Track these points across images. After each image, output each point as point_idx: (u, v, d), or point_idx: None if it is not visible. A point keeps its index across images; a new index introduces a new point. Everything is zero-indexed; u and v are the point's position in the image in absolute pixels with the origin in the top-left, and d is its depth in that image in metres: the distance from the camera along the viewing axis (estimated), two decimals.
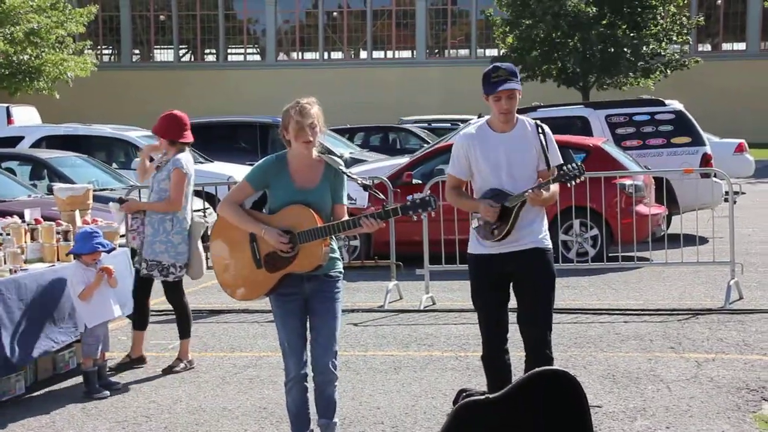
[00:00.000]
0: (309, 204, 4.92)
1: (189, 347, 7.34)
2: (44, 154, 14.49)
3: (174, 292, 7.27)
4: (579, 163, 5.17)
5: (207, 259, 7.42)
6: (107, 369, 6.90)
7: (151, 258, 7.06)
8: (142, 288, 7.27)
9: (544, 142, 5.23)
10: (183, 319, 7.30)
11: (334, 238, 5.03)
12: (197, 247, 7.20)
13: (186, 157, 7.13)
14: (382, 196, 5.29)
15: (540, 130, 5.26)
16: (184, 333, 7.30)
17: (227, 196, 5.07)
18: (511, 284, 5.31)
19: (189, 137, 7.15)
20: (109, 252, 6.86)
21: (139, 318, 7.37)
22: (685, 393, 6.21)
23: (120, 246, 7.62)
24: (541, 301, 5.23)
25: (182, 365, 7.20)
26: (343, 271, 5.15)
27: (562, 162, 5.32)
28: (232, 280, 5.13)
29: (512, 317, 5.33)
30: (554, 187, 5.19)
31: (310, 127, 4.89)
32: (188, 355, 7.30)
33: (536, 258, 5.23)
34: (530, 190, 5.10)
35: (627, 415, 5.80)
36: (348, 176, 5.07)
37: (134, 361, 7.36)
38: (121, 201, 7.38)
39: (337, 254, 5.10)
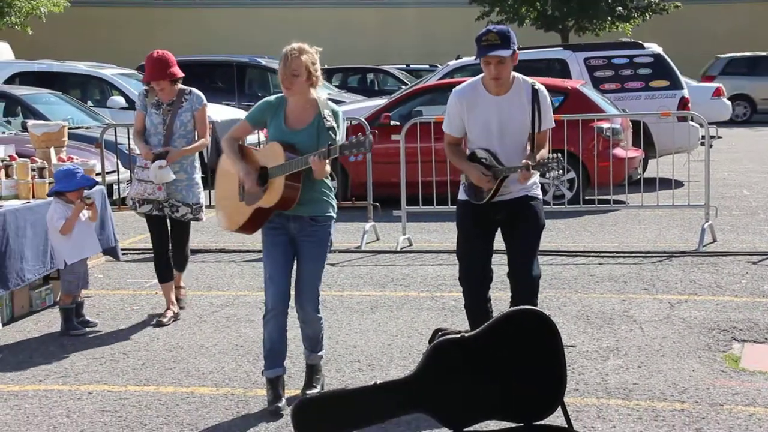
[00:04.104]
0: (292, 144, 5.00)
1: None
2: (18, 90, 14.33)
3: (188, 234, 7.05)
4: (559, 156, 5.02)
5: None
6: (83, 307, 6.90)
7: (195, 201, 6.83)
8: (166, 235, 6.94)
9: (538, 107, 5.11)
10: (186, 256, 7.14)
11: (329, 181, 5.15)
12: None
13: (199, 92, 6.90)
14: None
15: (535, 95, 5.11)
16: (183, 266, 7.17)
17: (229, 132, 5.26)
18: (499, 231, 5.27)
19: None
20: (91, 188, 6.85)
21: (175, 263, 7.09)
22: (658, 333, 6.30)
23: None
24: (528, 250, 5.20)
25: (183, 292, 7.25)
26: (332, 215, 5.19)
27: (554, 125, 5.25)
28: (222, 210, 5.38)
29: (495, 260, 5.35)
30: (544, 152, 5.15)
31: (293, 76, 4.97)
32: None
33: (525, 206, 5.19)
34: (520, 170, 4.99)
35: (600, 355, 5.89)
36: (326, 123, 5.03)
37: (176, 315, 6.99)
38: (160, 156, 6.63)
39: (328, 198, 5.16)
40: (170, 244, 6.99)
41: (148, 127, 6.77)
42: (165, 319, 6.81)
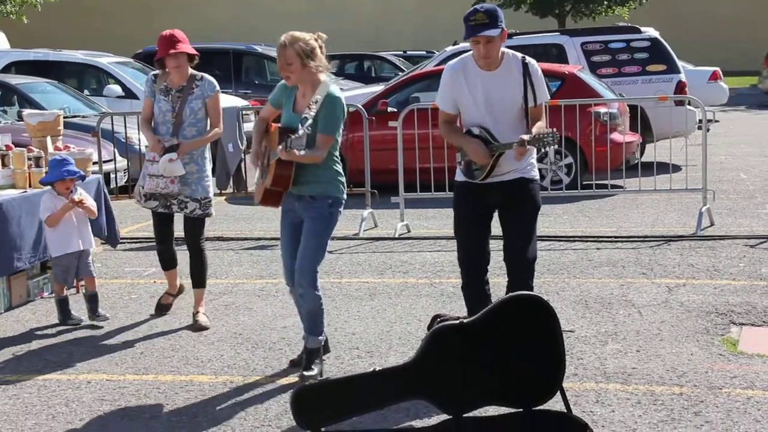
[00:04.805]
0: (295, 128, 5.16)
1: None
2: (14, 79, 14.29)
3: (203, 235, 6.60)
4: (554, 131, 5.02)
5: None
6: (97, 300, 6.64)
7: (204, 196, 6.37)
8: (170, 232, 6.61)
9: (530, 80, 5.08)
10: (204, 264, 6.62)
11: (337, 166, 5.35)
12: None
13: (212, 77, 6.44)
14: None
15: (526, 69, 5.10)
16: (203, 281, 6.63)
17: (260, 113, 5.63)
18: (497, 213, 5.27)
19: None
20: (82, 179, 6.75)
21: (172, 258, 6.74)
22: (656, 317, 6.30)
23: (93, 173, 7.52)
24: (524, 233, 5.19)
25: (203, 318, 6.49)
26: (335, 196, 5.34)
27: (548, 98, 5.24)
28: (257, 185, 5.59)
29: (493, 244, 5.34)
30: (540, 124, 5.13)
31: (286, 63, 5.21)
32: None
33: (521, 188, 5.17)
34: (515, 145, 4.97)
35: (598, 339, 5.89)
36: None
37: (177, 293, 6.87)
38: (173, 148, 6.20)
39: (333, 180, 5.33)
40: (185, 240, 6.56)
41: (156, 115, 6.35)
42: (164, 300, 6.78)
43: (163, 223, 6.58)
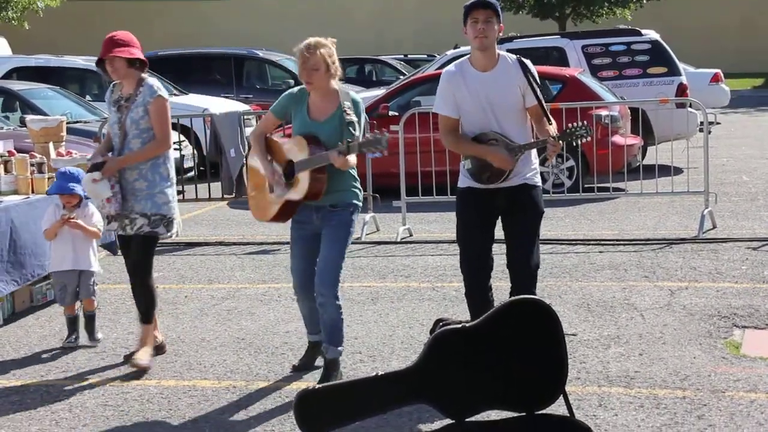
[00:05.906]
0: (316, 136, 5.14)
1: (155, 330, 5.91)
2: (16, 85, 14.33)
3: (150, 263, 5.76)
4: (585, 123, 5.02)
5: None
6: (94, 321, 6.33)
7: (155, 212, 5.60)
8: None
9: (532, 77, 5.07)
10: (150, 297, 5.80)
11: (354, 171, 5.29)
12: None
13: (156, 81, 5.67)
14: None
15: (525, 67, 5.08)
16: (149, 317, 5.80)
17: (256, 127, 5.45)
18: (499, 219, 5.26)
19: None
20: (80, 201, 6.15)
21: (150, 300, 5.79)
22: (659, 321, 6.30)
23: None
24: (527, 239, 5.17)
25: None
26: (355, 204, 5.30)
27: (541, 96, 5.24)
28: (253, 202, 5.51)
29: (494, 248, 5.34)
30: (552, 128, 5.14)
31: (312, 69, 5.13)
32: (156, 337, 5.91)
33: (524, 194, 5.16)
34: (549, 142, 4.98)
35: (601, 343, 5.89)
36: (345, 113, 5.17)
37: (157, 348, 5.87)
38: (97, 167, 5.54)
39: (352, 187, 5.28)
40: (127, 262, 5.82)
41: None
42: (133, 353, 5.68)
43: (125, 247, 5.82)
